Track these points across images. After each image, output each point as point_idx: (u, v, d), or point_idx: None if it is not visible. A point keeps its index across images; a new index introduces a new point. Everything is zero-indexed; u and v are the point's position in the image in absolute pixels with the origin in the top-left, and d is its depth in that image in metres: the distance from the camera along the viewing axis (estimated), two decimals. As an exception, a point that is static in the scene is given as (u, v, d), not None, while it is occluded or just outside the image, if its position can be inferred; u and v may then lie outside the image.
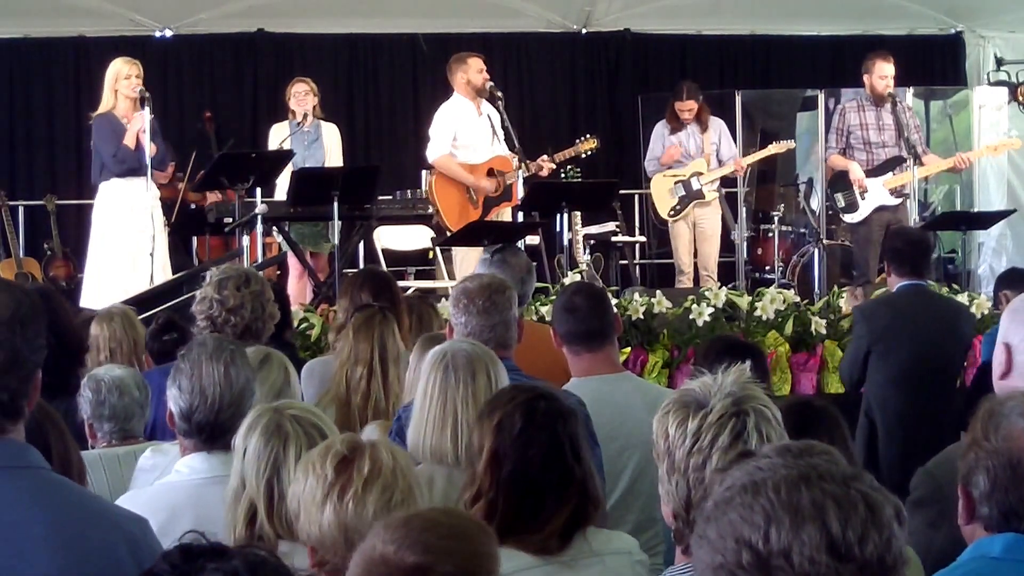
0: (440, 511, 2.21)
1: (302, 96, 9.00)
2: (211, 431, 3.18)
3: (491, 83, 8.69)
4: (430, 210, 8.83)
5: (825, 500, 1.45)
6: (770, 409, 2.38)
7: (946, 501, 2.86)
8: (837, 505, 1.45)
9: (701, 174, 9.74)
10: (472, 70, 8.71)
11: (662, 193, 9.86)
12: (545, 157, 8.77)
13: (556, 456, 2.88)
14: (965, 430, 2.47)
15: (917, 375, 5.89)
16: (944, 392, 5.97)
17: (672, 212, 9.81)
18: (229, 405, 3.18)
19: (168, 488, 3.21)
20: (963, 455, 2.36)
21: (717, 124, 10.00)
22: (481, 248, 7.22)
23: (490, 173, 8.73)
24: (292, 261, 8.81)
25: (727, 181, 10.25)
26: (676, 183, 9.79)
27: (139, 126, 8.36)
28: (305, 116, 8.99)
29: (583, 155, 9.14)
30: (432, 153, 8.82)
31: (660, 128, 9.98)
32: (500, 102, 8.57)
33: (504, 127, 8.63)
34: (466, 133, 8.74)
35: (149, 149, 8.30)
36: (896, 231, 6.93)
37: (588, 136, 9.12)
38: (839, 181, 9.40)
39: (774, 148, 10.19)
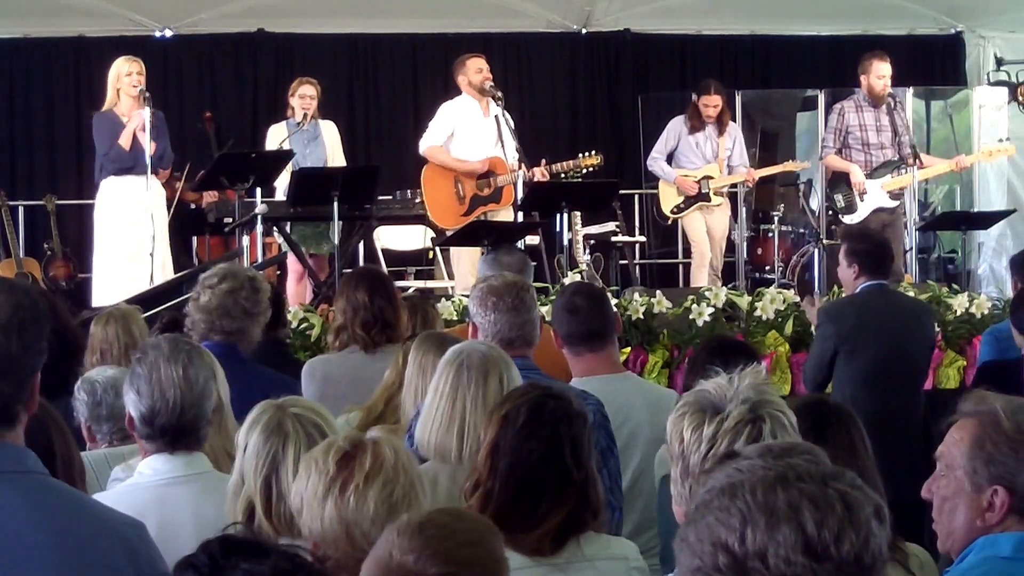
0: (450, 515, 2.17)
1: (309, 100, 8.97)
2: (174, 434, 3.15)
3: (491, 83, 8.68)
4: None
5: (801, 500, 1.45)
6: (786, 415, 2.37)
7: None
8: (813, 505, 1.44)
9: (711, 178, 9.70)
10: (471, 71, 8.71)
11: (669, 190, 9.83)
12: (543, 163, 8.73)
13: (554, 455, 2.88)
14: (931, 430, 2.48)
15: (885, 375, 5.88)
16: (911, 391, 5.99)
17: (675, 210, 9.80)
18: (191, 406, 3.15)
19: (131, 490, 3.18)
20: (987, 458, 2.35)
21: (733, 130, 9.96)
22: (478, 248, 7.25)
23: (483, 173, 8.72)
24: (292, 262, 8.81)
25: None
26: (685, 183, 9.79)
27: (136, 125, 8.36)
28: (305, 116, 8.98)
29: (584, 170, 9.04)
30: (423, 143, 8.83)
31: (678, 124, 9.84)
32: (500, 102, 8.56)
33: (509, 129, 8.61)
34: (465, 131, 8.73)
35: (148, 147, 8.29)
36: (859, 233, 6.90)
37: (592, 152, 9.00)
38: (838, 182, 9.39)
39: (791, 165, 10.19)
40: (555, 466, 2.87)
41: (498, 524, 2.82)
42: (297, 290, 8.78)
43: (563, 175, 8.96)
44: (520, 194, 8.32)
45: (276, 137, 8.96)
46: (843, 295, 7.81)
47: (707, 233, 9.74)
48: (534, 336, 4.22)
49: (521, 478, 2.86)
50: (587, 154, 8.96)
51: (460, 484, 3.09)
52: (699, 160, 9.76)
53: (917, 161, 9.07)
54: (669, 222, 10.01)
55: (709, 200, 9.72)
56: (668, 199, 9.83)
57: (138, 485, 3.18)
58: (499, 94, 8.59)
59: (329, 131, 9.16)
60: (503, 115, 8.57)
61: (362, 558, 2.40)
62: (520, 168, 8.43)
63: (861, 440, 3.06)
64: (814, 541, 1.43)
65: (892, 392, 5.84)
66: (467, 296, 5.00)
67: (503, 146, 8.59)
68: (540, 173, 8.60)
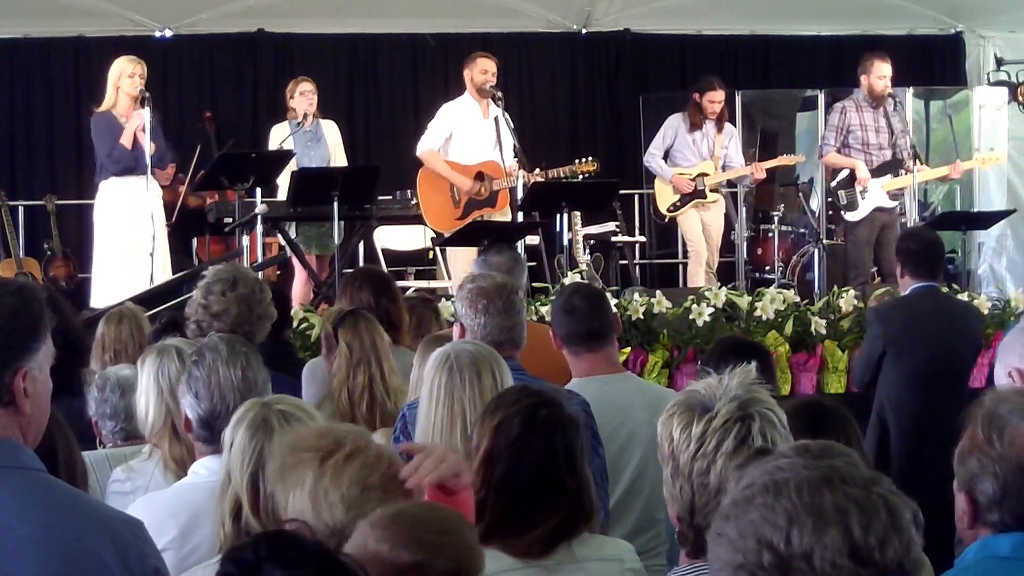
0: (423, 507, 2.21)
1: (311, 95, 8.99)
2: None
3: (492, 84, 8.68)
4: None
5: (848, 504, 1.45)
6: (775, 413, 2.37)
7: None
8: (859, 509, 1.45)
9: (707, 175, 9.70)
10: (477, 69, 8.74)
11: (665, 188, 9.83)
12: (538, 171, 8.74)
13: (549, 466, 2.87)
14: None
15: (931, 377, 5.91)
16: (957, 393, 5.98)
17: (671, 208, 9.80)
18: None
19: (188, 489, 3.21)
20: (962, 459, 2.35)
21: (730, 129, 9.95)
22: (477, 248, 7.24)
23: (479, 176, 8.72)
24: (297, 264, 8.81)
25: (731, 182, 10.23)
26: (681, 180, 9.78)
27: (137, 125, 8.35)
28: (305, 116, 8.98)
29: (580, 176, 9.03)
30: (420, 146, 8.84)
31: (676, 121, 9.80)
32: (500, 103, 8.57)
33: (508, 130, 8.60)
34: (464, 133, 8.73)
35: (148, 148, 8.29)
36: (911, 232, 6.91)
37: (589, 159, 8.98)
38: (842, 179, 9.39)
39: (785, 160, 10.17)
40: (550, 476, 2.87)
41: (492, 532, 2.82)
42: (304, 291, 8.78)
43: (561, 180, 8.97)
44: (520, 196, 8.32)
45: (278, 137, 8.97)
46: (843, 294, 7.86)
47: (703, 231, 9.74)
48: (522, 338, 4.22)
49: (515, 489, 2.86)
50: (583, 160, 8.96)
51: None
52: (695, 158, 9.75)
53: (917, 162, 9.09)
54: (665, 220, 9.99)
55: (705, 197, 9.71)
56: (664, 197, 9.83)
57: (193, 485, 3.20)
58: (499, 95, 8.59)
59: (331, 131, 9.18)
60: (503, 117, 8.57)
61: (324, 533, 2.35)
62: (519, 170, 8.43)
63: (857, 442, 3.08)
64: (860, 545, 1.43)
65: (937, 394, 5.85)
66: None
67: (501, 148, 8.58)
68: (536, 177, 8.60)
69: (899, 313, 6.04)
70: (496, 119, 8.62)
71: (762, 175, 9.85)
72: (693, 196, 9.69)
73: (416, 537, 2.04)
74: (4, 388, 2.10)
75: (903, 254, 6.07)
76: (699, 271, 9.59)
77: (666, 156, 9.82)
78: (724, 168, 9.77)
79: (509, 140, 8.56)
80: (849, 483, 1.47)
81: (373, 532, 2.04)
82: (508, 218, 8.51)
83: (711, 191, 9.73)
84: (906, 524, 1.47)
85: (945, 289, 8.07)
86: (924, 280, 6.02)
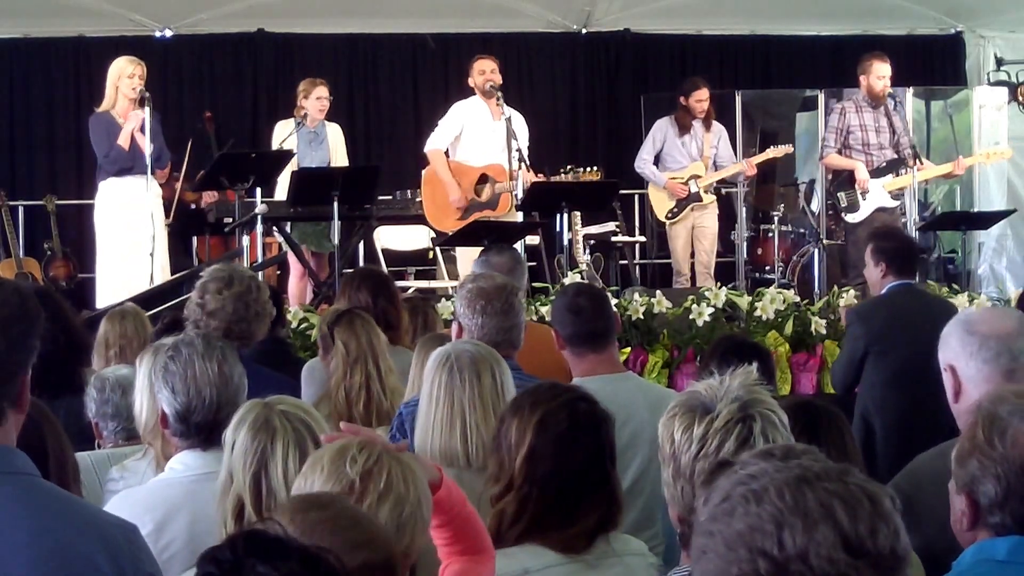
0: (309, 503, 2.13)
1: (326, 101, 8.98)
2: (209, 431, 3.16)
3: (492, 84, 8.68)
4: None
5: (830, 498, 1.45)
6: (777, 414, 2.37)
7: (914, 512, 2.91)
8: (842, 502, 1.45)
9: (699, 177, 9.72)
10: (475, 71, 8.78)
11: (660, 195, 9.86)
12: (541, 176, 8.75)
13: (597, 460, 2.89)
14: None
15: (915, 375, 5.86)
16: (941, 391, 5.96)
17: (669, 215, 9.81)
18: (227, 403, 3.15)
19: (164, 485, 3.20)
20: (961, 461, 2.35)
21: (718, 129, 9.98)
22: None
23: (483, 179, 8.72)
24: (293, 260, 8.81)
25: (727, 181, 10.24)
26: (675, 185, 9.78)
27: (133, 125, 8.34)
28: (306, 116, 8.97)
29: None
30: (428, 143, 8.86)
31: (665, 125, 9.85)
32: (500, 103, 8.57)
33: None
34: (473, 134, 8.74)
35: (147, 148, 8.28)
36: (887, 231, 6.88)
37: (593, 168, 8.99)
38: (842, 181, 9.39)
39: (773, 152, 10.17)
40: (596, 471, 2.88)
41: (536, 527, 2.83)
42: (299, 287, 8.78)
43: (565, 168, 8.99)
44: (520, 196, 8.32)
45: (281, 134, 8.95)
46: (843, 295, 7.85)
47: (697, 233, 9.77)
48: (520, 340, 4.23)
49: (563, 484, 2.86)
50: (587, 169, 8.96)
51: (467, 486, 3.08)
52: (685, 159, 9.79)
53: (918, 161, 9.10)
54: (668, 227, 10.03)
55: (701, 199, 9.73)
56: (661, 205, 9.86)
57: (169, 480, 3.20)
58: (499, 95, 8.59)
59: (334, 134, 9.18)
60: (514, 120, 8.55)
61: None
62: (520, 168, 8.43)
63: (851, 439, 3.10)
64: (852, 537, 1.44)
65: (922, 392, 5.82)
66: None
67: (510, 151, 8.58)
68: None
69: (880, 312, 6.00)
70: (509, 119, 8.58)
71: (753, 171, 9.89)
72: (688, 200, 9.72)
73: (350, 537, 2.00)
74: (18, 392, 2.08)
75: (885, 253, 6.01)
76: (680, 282, 9.68)
77: (657, 161, 9.85)
78: (715, 167, 9.80)
79: (515, 144, 8.55)
80: (824, 478, 1.48)
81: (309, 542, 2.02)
82: (510, 219, 8.51)
83: (705, 192, 9.74)
84: (889, 510, 1.47)
85: (944, 290, 8.10)
86: (905, 278, 5.99)
